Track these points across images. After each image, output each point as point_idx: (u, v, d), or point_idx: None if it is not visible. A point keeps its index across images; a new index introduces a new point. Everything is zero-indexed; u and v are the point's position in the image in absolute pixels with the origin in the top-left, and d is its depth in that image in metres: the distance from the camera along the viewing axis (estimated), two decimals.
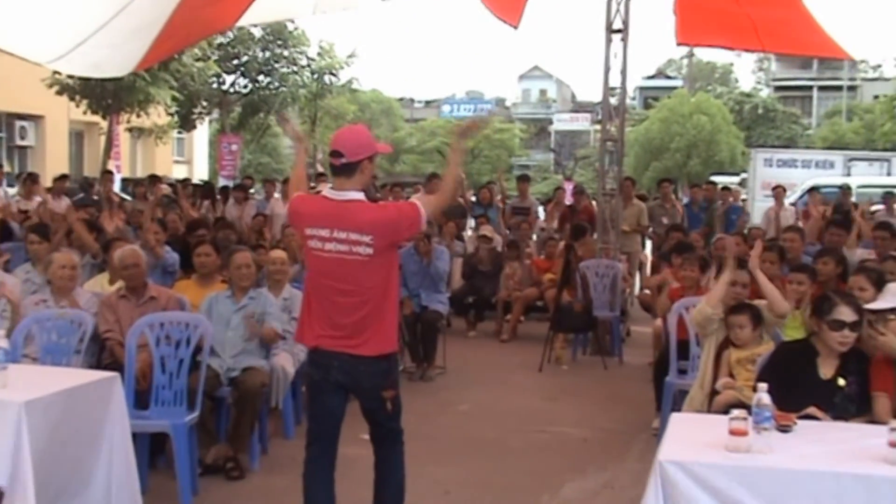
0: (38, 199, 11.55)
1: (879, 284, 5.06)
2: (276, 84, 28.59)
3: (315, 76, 29.45)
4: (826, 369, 4.23)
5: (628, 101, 14.69)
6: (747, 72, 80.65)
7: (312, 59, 29.12)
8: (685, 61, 56.42)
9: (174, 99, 22.80)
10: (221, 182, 21.27)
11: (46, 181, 14.15)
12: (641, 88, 55.17)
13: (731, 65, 61.88)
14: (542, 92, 61.51)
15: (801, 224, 10.90)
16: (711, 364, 5.18)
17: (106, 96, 21.06)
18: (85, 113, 22.14)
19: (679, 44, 9.63)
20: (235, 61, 27.86)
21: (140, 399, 5.15)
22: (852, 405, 4.13)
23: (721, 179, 21.04)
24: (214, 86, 27.11)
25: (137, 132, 25.67)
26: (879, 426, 3.47)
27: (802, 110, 49.85)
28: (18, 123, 26.01)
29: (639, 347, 9.37)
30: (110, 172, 16.27)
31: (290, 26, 27.73)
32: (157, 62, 15.95)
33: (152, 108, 22.20)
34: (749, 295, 5.56)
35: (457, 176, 4.31)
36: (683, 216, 12.46)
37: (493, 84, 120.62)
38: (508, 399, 7.63)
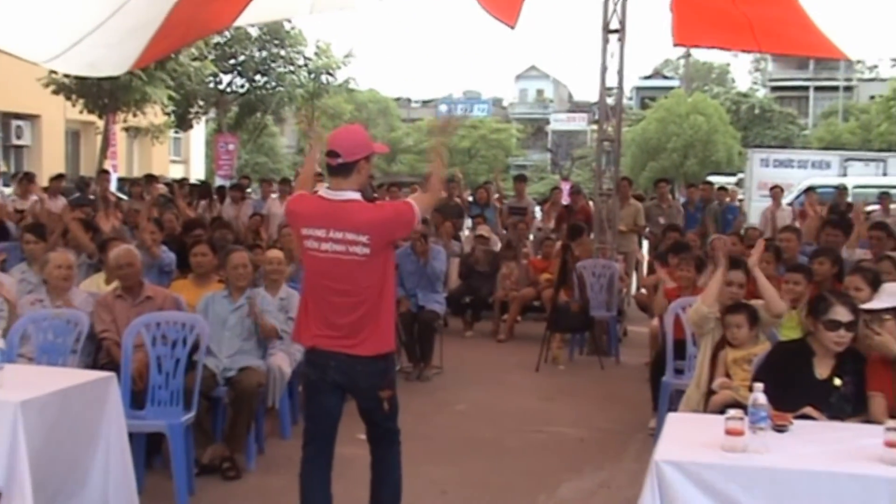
0: (34, 198, 11.54)
1: (875, 284, 5.06)
2: (273, 84, 28.59)
3: (312, 76, 29.44)
4: (822, 369, 4.23)
5: (625, 101, 14.70)
6: (744, 72, 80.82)
7: (309, 59, 29.12)
8: (682, 61, 56.40)
9: (171, 98, 22.79)
10: (218, 182, 21.27)
11: (43, 181, 14.14)
12: (638, 88, 55.17)
13: (728, 65, 62.08)
14: (539, 92, 61.51)
15: (797, 224, 10.90)
16: (708, 364, 5.19)
17: (102, 96, 21.05)
18: (81, 112, 22.11)
19: (676, 44, 9.64)
20: (232, 61, 27.85)
21: (136, 399, 5.14)
22: (848, 405, 4.14)
23: (718, 179, 21.05)
24: (211, 85, 27.11)
25: (134, 132, 25.63)
26: (875, 426, 3.47)
27: (799, 110, 49.87)
28: (14, 123, 25.96)
29: (635, 347, 9.37)
30: (106, 172, 16.26)
31: (287, 26, 27.74)
32: (153, 61, 15.94)
33: (149, 107, 22.19)
34: (745, 295, 5.57)
35: (442, 173, 4.30)
36: (682, 214, 12.46)
37: (490, 84, 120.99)
38: (505, 399, 7.64)
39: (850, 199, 13.48)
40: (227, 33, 25.71)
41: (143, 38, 8.55)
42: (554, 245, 10.24)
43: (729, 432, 3.26)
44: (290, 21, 26.47)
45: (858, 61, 40.15)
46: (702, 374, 5.21)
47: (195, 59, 23.22)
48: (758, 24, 8.87)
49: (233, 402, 5.50)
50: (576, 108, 58.45)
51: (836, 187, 15.01)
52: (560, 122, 56.92)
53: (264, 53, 28.16)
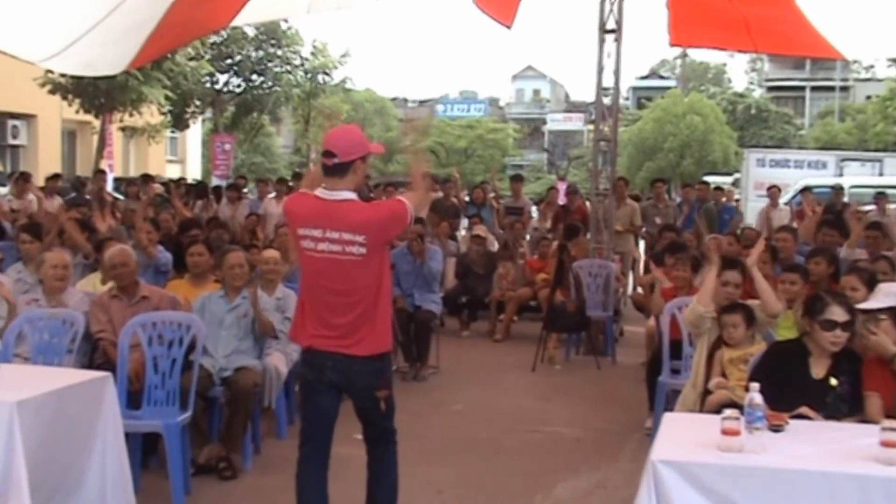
0: (31, 197, 11.52)
1: (871, 284, 5.08)
2: (270, 83, 28.59)
3: (309, 75, 29.43)
4: (818, 369, 4.24)
5: (622, 101, 14.72)
6: (740, 72, 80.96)
7: (306, 59, 29.13)
8: (678, 62, 56.54)
9: (167, 98, 22.77)
10: (214, 181, 21.26)
11: (39, 180, 14.12)
12: (635, 88, 55.20)
13: (725, 65, 62.09)
14: (536, 92, 61.51)
15: (795, 224, 10.91)
16: (704, 364, 5.19)
17: (99, 95, 21.03)
18: (77, 112, 22.09)
19: (672, 44, 9.64)
20: (229, 60, 27.85)
21: (132, 399, 5.14)
22: (844, 405, 4.14)
23: (714, 179, 21.08)
24: (208, 85, 27.10)
25: (130, 131, 25.62)
26: (871, 426, 3.48)
27: (795, 111, 49.93)
28: (10, 122, 25.92)
29: (632, 347, 9.38)
30: (102, 172, 16.25)
31: (284, 25, 27.75)
32: (149, 61, 15.92)
33: (145, 107, 22.18)
34: (742, 295, 5.57)
35: (424, 172, 4.30)
36: (685, 216, 12.45)
37: (487, 84, 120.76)
38: (502, 399, 7.64)
39: (846, 199, 13.50)
40: (223, 33, 25.70)
41: (140, 38, 8.54)
42: (550, 245, 10.23)
43: (725, 432, 3.26)
44: (286, 21, 26.46)
45: (855, 61, 40.21)
46: (698, 374, 5.21)
47: (192, 58, 23.22)
48: (754, 23, 8.87)
49: (229, 401, 5.49)
50: (572, 108, 58.46)
51: (833, 187, 15.05)
52: (556, 122, 56.92)
53: (261, 53, 28.16)
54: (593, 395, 7.81)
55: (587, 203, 11.74)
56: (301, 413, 4.30)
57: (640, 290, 9.67)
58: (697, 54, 53.98)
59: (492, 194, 12.85)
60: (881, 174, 20.61)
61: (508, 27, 9.11)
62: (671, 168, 37.06)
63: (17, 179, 12.81)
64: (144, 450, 5.28)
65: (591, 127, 21.45)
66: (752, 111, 46.16)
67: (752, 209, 17.24)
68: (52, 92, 20.98)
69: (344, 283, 3.94)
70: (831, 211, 11.12)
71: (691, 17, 9.11)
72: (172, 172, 29.63)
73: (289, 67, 28.74)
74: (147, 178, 13.72)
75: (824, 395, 4.15)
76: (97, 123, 23.15)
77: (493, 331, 10.23)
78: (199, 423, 5.39)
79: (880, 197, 12.65)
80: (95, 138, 23.69)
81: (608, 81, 9.89)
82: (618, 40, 9.59)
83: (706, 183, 15.47)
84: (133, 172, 26.25)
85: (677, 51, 49.12)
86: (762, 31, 9.05)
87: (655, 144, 38.70)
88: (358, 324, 3.96)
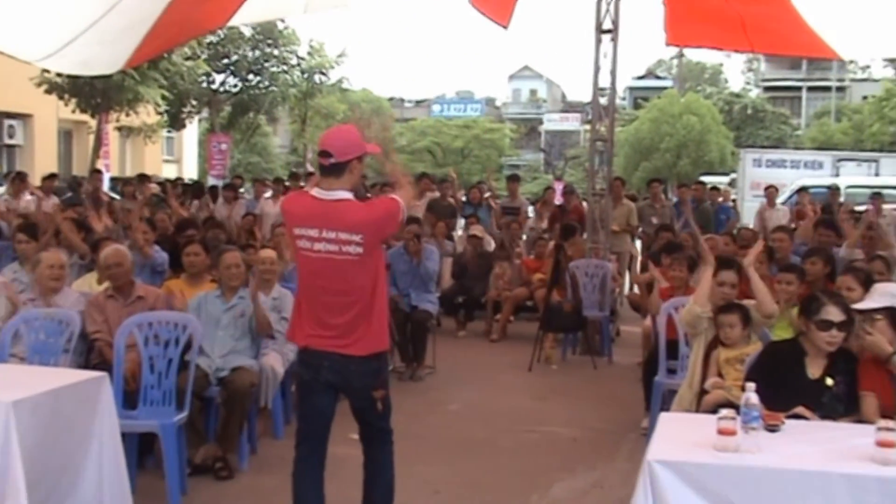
0: (28, 197, 11.50)
1: (867, 284, 5.08)
2: (266, 83, 28.58)
3: (305, 75, 29.43)
4: (814, 369, 4.24)
5: (618, 101, 14.69)
6: (737, 72, 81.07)
7: (302, 59, 29.12)
8: (675, 62, 56.59)
9: (163, 98, 22.75)
10: (211, 181, 21.23)
11: (35, 180, 14.10)
12: (631, 88, 55.26)
13: (721, 65, 62.13)
14: (533, 92, 61.54)
15: (795, 224, 10.92)
16: (700, 364, 5.19)
17: (95, 95, 21.01)
18: (74, 112, 22.07)
19: (669, 44, 9.65)
20: (225, 60, 27.83)
21: (128, 399, 5.14)
22: (840, 405, 4.15)
23: (710, 179, 21.10)
24: (204, 85, 27.07)
25: (127, 131, 25.60)
26: (867, 426, 3.49)
27: (791, 111, 50.01)
28: (7, 122, 25.90)
29: (628, 347, 9.38)
30: (99, 171, 16.24)
31: (281, 25, 27.73)
32: (146, 60, 15.91)
33: (141, 107, 22.16)
34: (738, 295, 5.58)
35: (401, 172, 4.31)
36: (684, 218, 12.45)
37: (483, 84, 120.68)
38: (498, 399, 7.64)
39: (842, 200, 13.51)
40: (220, 33, 25.68)
41: (137, 37, 8.54)
42: (547, 245, 10.23)
43: (721, 432, 3.27)
44: (283, 21, 26.45)
45: (851, 61, 40.30)
46: (694, 374, 5.22)
47: (188, 58, 23.20)
48: (750, 22, 8.88)
49: (225, 401, 5.49)
50: (569, 108, 58.52)
51: (829, 187, 15.07)
52: (553, 122, 56.97)
53: (257, 53, 28.15)
54: (590, 394, 7.81)
55: (584, 203, 11.74)
56: (297, 413, 4.29)
57: (636, 289, 9.66)
58: (694, 54, 54.08)
59: (488, 194, 12.85)
60: (877, 174, 20.65)
61: (505, 27, 9.12)
62: (668, 168, 37.09)
63: (13, 179, 12.80)
64: (141, 450, 5.28)
65: (587, 127, 21.44)
66: (749, 111, 46.23)
67: (748, 209, 17.26)
68: (48, 91, 20.95)
69: (341, 283, 3.94)
70: (828, 211, 11.14)
71: (687, 16, 9.12)
72: (169, 172, 29.64)
73: (285, 67, 28.73)
74: (143, 178, 13.73)
75: (820, 395, 4.16)
76: (93, 123, 23.14)
77: (489, 331, 10.23)
78: (195, 423, 5.39)
79: (876, 197, 12.67)
80: (92, 138, 23.66)
81: (605, 81, 9.88)
82: (614, 40, 9.59)
83: (702, 183, 15.47)
84: (129, 172, 26.25)
85: (674, 51, 49.18)
86: (758, 31, 9.06)
87: (652, 144, 38.74)
88: (355, 323, 3.96)
